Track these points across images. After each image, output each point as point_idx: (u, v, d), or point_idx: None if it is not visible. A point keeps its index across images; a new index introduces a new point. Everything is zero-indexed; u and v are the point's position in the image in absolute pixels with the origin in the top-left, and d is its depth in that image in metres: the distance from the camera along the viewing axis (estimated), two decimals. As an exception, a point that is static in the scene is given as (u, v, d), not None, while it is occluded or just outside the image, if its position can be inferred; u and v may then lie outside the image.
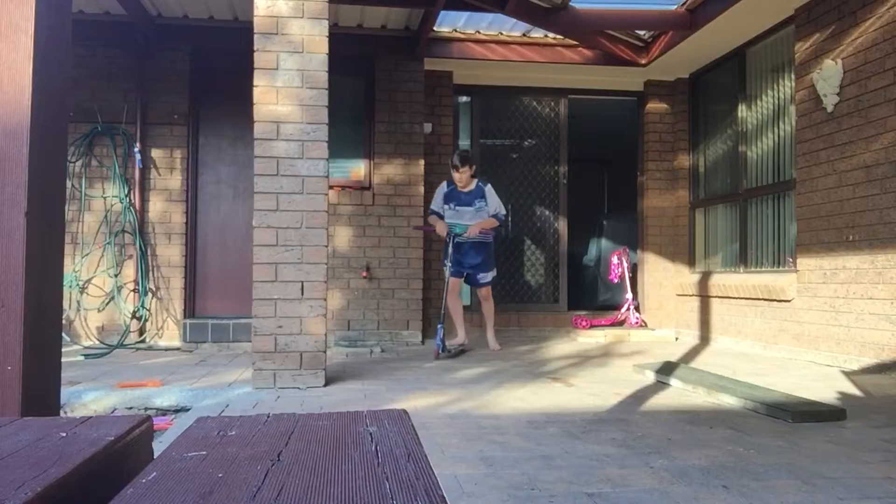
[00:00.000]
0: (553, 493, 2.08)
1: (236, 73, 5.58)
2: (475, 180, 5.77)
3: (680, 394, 3.83)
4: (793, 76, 5.52)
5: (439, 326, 5.33)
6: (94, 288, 6.15)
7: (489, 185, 5.80)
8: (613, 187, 10.55)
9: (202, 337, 6.10)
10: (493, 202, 5.75)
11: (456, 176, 5.68)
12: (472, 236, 5.67)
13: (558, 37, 6.63)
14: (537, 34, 6.67)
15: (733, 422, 3.09)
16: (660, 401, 3.64)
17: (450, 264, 5.66)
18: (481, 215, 5.71)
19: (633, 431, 2.89)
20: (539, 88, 7.29)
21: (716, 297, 6.47)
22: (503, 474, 2.27)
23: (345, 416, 1.24)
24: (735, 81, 6.44)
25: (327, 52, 4.08)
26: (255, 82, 4.02)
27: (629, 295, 7.05)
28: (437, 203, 5.84)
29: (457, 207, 5.73)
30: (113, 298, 6.14)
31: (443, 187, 5.83)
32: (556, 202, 7.34)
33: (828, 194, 5.01)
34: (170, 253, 6.28)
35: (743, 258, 6.27)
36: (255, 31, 4.03)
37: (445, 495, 0.78)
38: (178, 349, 5.96)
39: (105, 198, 6.19)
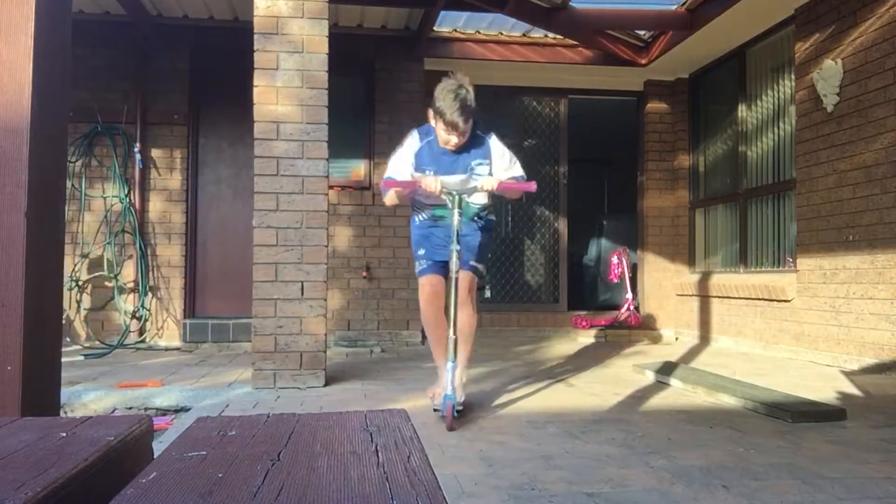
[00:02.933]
0: (553, 493, 2.08)
1: (236, 73, 5.57)
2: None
3: (680, 394, 3.83)
4: (793, 76, 5.52)
5: (451, 365, 3.13)
6: (95, 288, 6.15)
7: (494, 135, 3.45)
8: (613, 187, 10.54)
9: (202, 337, 6.10)
10: (505, 162, 3.40)
11: (453, 140, 3.28)
12: (491, 191, 3.30)
13: (558, 37, 6.62)
14: (537, 34, 6.67)
15: (733, 422, 3.09)
16: (660, 401, 3.64)
17: (424, 253, 3.50)
18: (479, 189, 3.34)
19: (633, 431, 2.89)
20: (539, 88, 7.28)
21: (716, 297, 6.47)
22: (503, 474, 2.27)
23: (345, 416, 1.24)
24: (735, 81, 6.44)
25: (327, 52, 4.08)
26: (255, 82, 4.02)
27: (629, 295, 7.05)
28: (399, 166, 3.41)
29: (434, 175, 3.32)
30: (113, 298, 6.14)
31: (413, 141, 3.42)
32: (556, 202, 7.34)
33: (828, 194, 5.01)
34: (170, 253, 6.28)
35: (743, 258, 6.27)
36: (255, 31, 4.03)
37: (445, 495, 0.78)
38: (178, 349, 5.96)
39: (105, 198, 6.19)
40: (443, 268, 3.45)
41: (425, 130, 3.44)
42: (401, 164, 3.41)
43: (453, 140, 3.28)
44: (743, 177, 6.30)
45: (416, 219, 3.58)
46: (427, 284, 3.48)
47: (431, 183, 3.22)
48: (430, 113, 3.32)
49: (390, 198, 3.49)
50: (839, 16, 4.93)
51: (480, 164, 3.37)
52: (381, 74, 6.59)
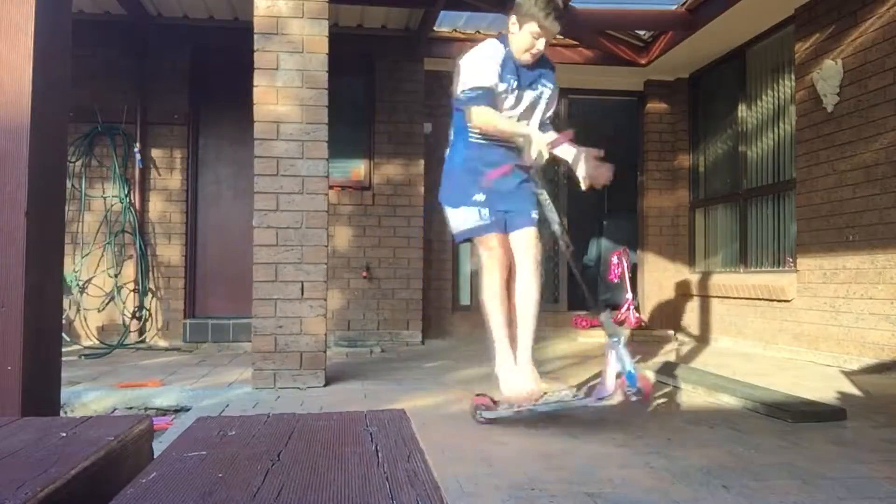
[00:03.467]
0: (553, 493, 2.08)
1: (236, 73, 5.57)
2: None
3: (680, 394, 3.83)
4: (793, 76, 5.52)
5: (622, 342, 2.78)
6: (94, 288, 6.15)
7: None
8: (613, 187, 10.53)
9: (202, 337, 6.10)
10: (556, 94, 3.39)
11: (538, 46, 3.07)
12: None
13: (558, 37, 6.62)
14: (537, 34, 6.66)
15: (733, 422, 3.09)
16: (660, 401, 3.64)
17: (485, 200, 3.03)
18: (538, 113, 3.28)
19: (633, 431, 2.88)
20: (539, 88, 7.27)
21: (716, 297, 6.47)
22: (503, 474, 2.27)
23: (345, 416, 1.24)
24: (735, 81, 6.44)
25: (327, 52, 4.08)
26: (255, 82, 4.02)
27: (629, 295, 7.04)
28: (490, 72, 3.02)
29: (516, 90, 3.13)
30: (113, 298, 6.14)
31: (497, 48, 3.09)
32: (556, 202, 7.31)
33: (828, 194, 5.00)
34: (170, 253, 6.28)
35: (743, 258, 6.27)
36: (255, 31, 4.03)
37: (445, 495, 0.78)
38: (178, 349, 5.96)
39: (105, 198, 6.19)
40: (502, 221, 3.04)
41: (504, 40, 3.13)
42: (489, 66, 2.99)
43: (539, 46, 3.05)
44: (743, 177, 6.30)
45: (472, 140, 3.08)
46: (498, 245, 2.97)
47: (542, 140, 2.91)
48: (513, 19, 3.07)
49: (485, 117, 2.93)
50: (839, 16, 4.93)
51: (545, 85, 3.22)
52: (381, 74, 6.59)
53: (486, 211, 3.01)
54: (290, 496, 0.79)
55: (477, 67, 3.01)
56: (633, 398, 2.68)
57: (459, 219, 3.07)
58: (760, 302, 5.76)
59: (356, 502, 0.77)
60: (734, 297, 6.13)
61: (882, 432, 2.89)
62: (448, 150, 3.21)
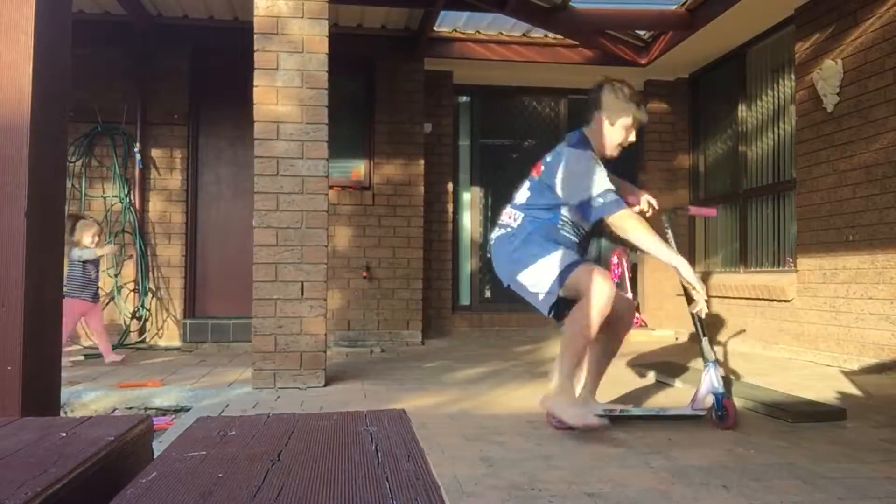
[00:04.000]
0: (553, 493, 2.08)
1: (236, 73, 5.57)
2: None
3: (680, 394, 3.82)
4: (793, 76, 5.52)
5: (712, 366, 3.02)
6: (94, 288, 6.15)
7: None
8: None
9: (202, 337, 6.10)
10: None
11: (632, 137, 3.19)
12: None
13: (558, 37, 6.63)
14: (537, 34, 6.67)
15: (733, 422, 3.09)
16: (660, 401, 3.64)
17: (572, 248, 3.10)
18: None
19: (633, 431, 2.89)
20: (539, 88, 7.28)
21: (716, 297, 6.47)
22: (503, 474, 2.27)
23: (345, 416, 1.24)
24: (735, 81, 6.44)
25: (327, 51, 4.08)
26: (255, 82, 4.02)
27: (629, 295, 7.05)
28: (610, 180, 3.00)
29: None
30: (113, 298, 6.14)
31: (592, 155, 3.05)
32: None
33: (828, 194, 5.01)
34: (170, 253, 6.28)
35: (743, 258, 6.27)
36: (255, 31, 4.03)
37: (445, 495, 0.78)
38: (178, 349, 5.96)
39: (105, 198, 6.19)
40: None
41: (586, 142, 3.09)
42: (607, 177, 2.99)
43: (632, 138, 3.15)
44: (743, 177, 6.30)
45: (561, 227, 3.09)
46: (610, 281, 2.83)
47: (692, 279, 2.88)
48: (602, 117, 3.09)
49: (641, 225, 2.92)
50: (839, 16, 4.93)
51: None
52: (381, 74, 6.59)
53: (577, 254, 2.99)
54: (290, 496, 0.79)
55: (597, 172, 2.96)
56: (719, 421, 2.96)
57: (553, 262, 2.99)
58: (760, 302, 5.76)
59: (356, 502, 0.77)
60: (734, 297, 6.13)
61: (882, 432, 2.89)
62: (514, 227, 3.17)
